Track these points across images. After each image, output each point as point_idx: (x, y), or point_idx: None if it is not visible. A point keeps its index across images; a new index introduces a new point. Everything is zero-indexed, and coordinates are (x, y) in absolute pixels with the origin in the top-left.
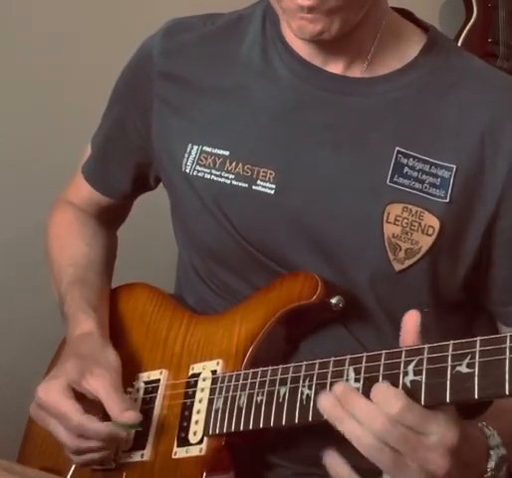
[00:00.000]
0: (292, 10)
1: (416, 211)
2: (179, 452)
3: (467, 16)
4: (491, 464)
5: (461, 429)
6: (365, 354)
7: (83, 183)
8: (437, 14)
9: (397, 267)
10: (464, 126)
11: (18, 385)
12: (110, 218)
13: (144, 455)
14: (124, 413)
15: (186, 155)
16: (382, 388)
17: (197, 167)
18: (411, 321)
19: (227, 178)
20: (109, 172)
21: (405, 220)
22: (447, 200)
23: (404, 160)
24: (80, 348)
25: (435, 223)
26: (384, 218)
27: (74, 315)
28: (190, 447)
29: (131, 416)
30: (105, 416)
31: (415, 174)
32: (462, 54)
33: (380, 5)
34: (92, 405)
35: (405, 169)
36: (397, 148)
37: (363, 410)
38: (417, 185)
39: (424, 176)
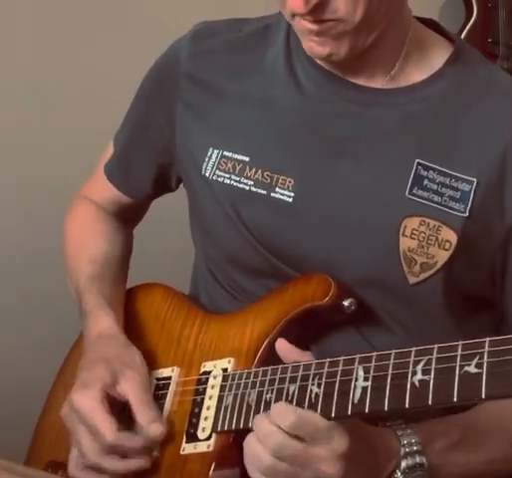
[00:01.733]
0: (302, 31)
1: (434, 225)
2: (187, 448)
3: (467, 16)
4: (398, 474)
5: (355, 438)
6: (374, 353)
7: (104, 182)
8: (437, 14)
9: (412, 280)
10: (487, 140)
11: (25, 389)
12: (129, 217)
13: (153, 451)
14: (151, 425)
15: (207, 159)
16: (277, 406)
17: (217, 172)
18: (285, 349)
19: (246, 184)
20: (131, 172)
21: (422, 234)
22: (466, 214)
23: (424, 173)
24: (105, 351)
25: (453, 238)
26: (401, 232)
27: (91, 311)
28: (198, 443)
29: (158, 429)
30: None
31: (435, 187)
32: (487, 65)
33: (402, 20)
34: (122, 408)
35: (425, 182)
36: (418, 160)
37: (262, 428)
38: (436, 198)
39: (444, 189)
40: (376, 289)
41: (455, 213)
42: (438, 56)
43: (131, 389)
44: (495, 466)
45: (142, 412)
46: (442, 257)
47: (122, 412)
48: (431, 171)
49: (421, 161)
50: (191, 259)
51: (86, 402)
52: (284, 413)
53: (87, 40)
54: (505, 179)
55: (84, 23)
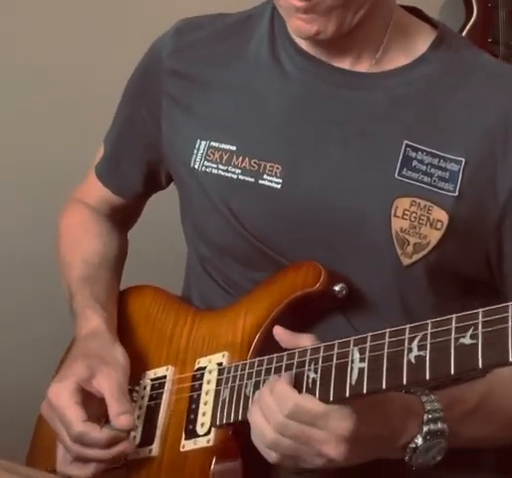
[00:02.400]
0: (288, 10)
1: (425, 205)
2: (187, 445)
3: (467, 16)
4: (418, 438)
5: (361, 417)
6: (369, 333)
7: (95, 183)
8: (437, 14)
9: (406, 261)
10: (474, 120)
11: (25, 389)
12: (122, 218)
13: (153, 450)
14: (119, 417)
15: (195, 151)
16: (278, 390)
17: (205, 163)
18: (283, 334)
19: (234, 173)
20: (121, 171)
21: (414, 214)
22: (456, 194)
23: (413, 154)
24: (88, 346)
25: (444, 217)
26: (392, 212)
27: (83, 312)
28: (198, 439)
29: (125, 421)
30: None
31: (424, 168)
32: (472, 49)
33: (385, 3)
34: (100, 404)
35: (414, 163)
36: (406, 142)
37: (266, 404)
38: (426, 179)
39: (433, 170)
40: (369, 272)
41: (445, 193)
42: (422, 40)
43: (106, 384)
44: (508, 433)
45: (114, 406)
46: (435, 237)
47: (98, 410)
48: (420, 152)
49: (410, 143)
50: (184, 260)
51: (57, 393)
52: (283, 399)
53: (86, 40)
54: (494, 158)
55: (85, 23)
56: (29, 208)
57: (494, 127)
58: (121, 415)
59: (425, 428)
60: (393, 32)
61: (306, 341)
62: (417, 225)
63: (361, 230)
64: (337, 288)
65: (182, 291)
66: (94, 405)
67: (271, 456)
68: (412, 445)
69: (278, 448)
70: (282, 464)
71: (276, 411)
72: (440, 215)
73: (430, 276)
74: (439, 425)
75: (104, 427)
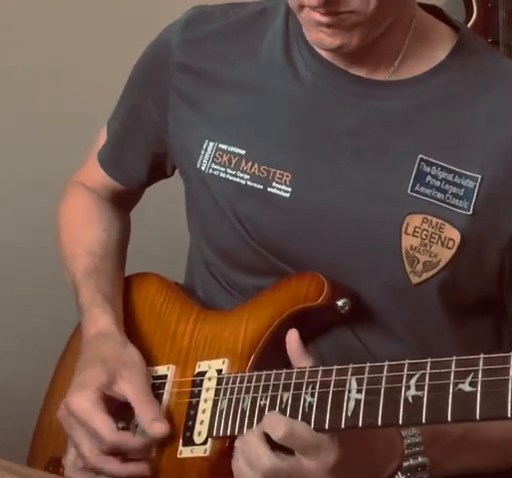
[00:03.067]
0: (311, 22)
1: (437, 223)
2: (184, 452)
3: (467, 16)
4: (399, 475)
5: (349, 447)
6: (367, 364)
7: (98, 169)
8: None
9: (415, 280)
10: (492, 134)
11: (22, 388)
12: (124, 202)
13: (150, 453)
14: (153, 424)
15: (202, 152)
16: (270, 416)
17: (213, 165)
18: (293, 342)
19: (242, 178)
20: (125, 162)
21: (425, 232)
22: (470, 212)
23: (427, 169)
24: (102, 350)
25: (456, 236)
26: (403, 229)
27: (89, 309)
28: (195, 447)
29: (159, 429)
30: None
31: (438, 184)
32: (494, 55)
33: (408, 10)
34: (121, 406)
35: (428, 178)
36: (420, 156)
37: (250, 452)
38: (439, 195)
39: (447, 186)
40: (376, 288)
41: (459, 211)
42: (442, 46)
43: (131, 389)
44: (494, 463)
45: (143, 411)
46: (446, 256)
47: (119, 413)
48: (434, 167)
49: (424, 157)
50: (186, 247)
51: (81, 404)
52: (276, 424)
53: (87, 39)
54: (510, 174)
55: (84, 21)
56: (27, 207)
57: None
58: (154, 422)
59: (405, 464)
60: (413, 38)
61: (305, 364)
62: (428, 243)
63: (369, 246)
64: (340, 303)
65: (185, 279)
66: (115, 409)
67: None
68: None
69: None
70: None
71: (262, 455)
72: (452, 234)
73: (440, 295)
74: (420, 460)
75: (136, 434)
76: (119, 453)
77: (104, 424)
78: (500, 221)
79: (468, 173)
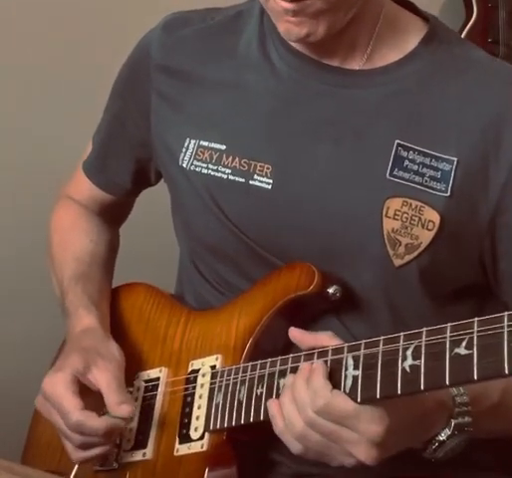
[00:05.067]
0: (277, 12)
1: (416, 205)
2: (181, 449)
3: (467, 16)
4: (445, 432)
5: (394, 416)
6: (363, 341)
7: (84, 180)
8: (437, 14)
9: (397, 262)
10: (466, 119)
11: (20, 387)
12: (112, 215)
13: (147, 454)
14: (119, 406)
15: (184, 150)
16: (315, 384)
17: (194, 162)
18: (299, 336)
19: (224, 173)
20: (109, 168)
21: (405, 215)
22: (448, 194)
23: (404, 153)
24: (82, 341)
25: (436, 218)
26: (384, 213)
27: (75, 310)
28: (192, 443)
29: (125, 410)
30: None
31: (416, 168)
32: (464, 44)
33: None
34: (95, 398)
35: (406, 162)
36: (397, 141)
37: (300, 395)
38: (418, 179)
39: (425, 169)
40: (361, 274)
41: (437, 193)
42: (413, 35)
43: (103, 377)
44: None
45: (111, 396)
46: (426, 237)
47: (95, 403)
48: (411, 152)
49: (401, 142)
50: (176, 257)
51: (53, 384)
52: (316, 395)
53: (87, 39)
54: (486, 158)
55: (83, 21)
56: (23, 209)
57: (487, 126)
58: (119, 404)
59: (454, 422)
60: (384, 27)
61: (325, 338)
62: (409, 226)
63: (352, 231)
64: (330, 290)
65: (175, 288)
66: (89, 398)
67: (296, 447)
68: (439, 438)
69: (306, 441)
70: (304, 456)
71: (308, 405)
72: (432, 216)
73: (422, 277)
74: (466, 419)
75: (102, 416)
76: None
77: (70, 402)
78: (477, 204)
79: (444, 156)
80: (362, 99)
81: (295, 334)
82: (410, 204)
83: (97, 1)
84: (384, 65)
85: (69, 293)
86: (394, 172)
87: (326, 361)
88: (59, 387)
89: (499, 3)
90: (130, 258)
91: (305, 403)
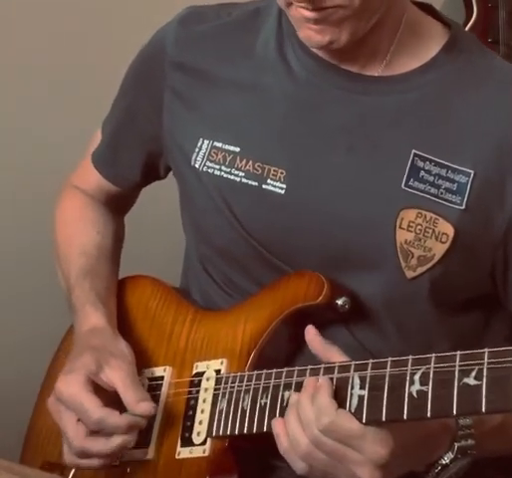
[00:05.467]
0: (299, 19)
1: (431, 217)
2: (183, 452)
3: (467, 16)
4: (449, 455)
5: (399, 438)
6: (370, 361)
7: (92, 170)
8: None
9: (409, 274)
10: (483, 131)
11: (19, 387)
12: (118, 205)
13: (148, 453)
14: (139, 404)
15: (196, 150)
16: (320, 401)
17: (207, 163)
18: (315, 341)
19: (237, 176)
20: (119, 161)
21: (419, 226)
22: (463, 207)
23: (421, 164)
24: (92, 341)
25: (450, 230)
26: (398, 224)
27: (83, 308)
28: (194, 448)
29: (146, 407)
30: (121, 408)
31: (431, 179)
32: (486, 53)
33: (397, 5)
34: (109, 397)
35: (421, 173)
36: (414, 151)
37: (305, 413)
38: (433, 190)
39: (441, 181)
40: (371, 284)
41: (452, 206)
42: (434, 42)
43: (117, 376)
44: None
45: (129, 394)
46: (439, 250)
47: (109, 403)
48: (428, 162)
49: (418, 152)
50: (181, 250)
51: (69, 386)
52: (321, 413)
53: (88, 38)
54: (503, 171)
55: (84, 20)
56: (23, 208)
57: (505, 138)
58: (139, 402)
59: (457, 445)
60: (405, 34)
61: (334, 354)
62: (422, 237)
63: (364, 240)
64: (339, 302)
65: (181, 282)
66: (104, 398)
67: (300, 466)
68: (442, 462)
69: (310, 460)
70: (307, 475)
71: (313, 422)
72: (446, 228)
73: (433, 289)
74: (469, 442)
75: (123, 413)
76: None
77: (89, 401)
78: (492, 217)
79: (461, 168)
80: (380, 106)
81: (310, 333)
82: (425, 216)
83: (98, 1)
84: (403, 72)
85: (76, 288)
86: (410, 183)
87: (332, 379)
88: (75, 388)
89: (499, 3)
90: (135, 250)
91: (310, 421)
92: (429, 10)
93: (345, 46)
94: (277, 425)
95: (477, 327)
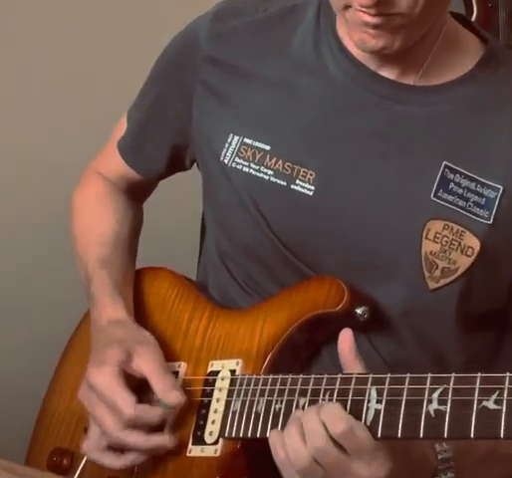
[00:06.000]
0: (356, 23)
1: (458, 230)
2: (194, 450)
3: (467, 16)
4: None
5: (398, 458)
6: (388, 375)
7: (116, 157)
8: None
9: (432, 285)
10: None
11: (23, 387)
12: (138, 193)
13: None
14: (169, 393)
15: (226, 145)
16: (332, 409)
17: (236, 159)
18: (346, 343)
19: (266, 174)
20: (145, 151)
21: (445, 238)
22: (490, 222)
23: (451, 176)
24: (117, 333)
25: (476, 244)
26: (424, 234)
27: (101, 298)
28: (205, 447)
29: (177, 396)
30: (150, 394)
31: (461, 191)
32: None
33: (443, 16)
34: (139, 384)
35: (451, 185)
36: (445, 163)
37: (309, 425)
38: (461, 203)
39: (469, 194)
40: (392, 292)
41: (479, 219)
42: (471, 56)
43: (146, 364)
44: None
45: (159, 383)
46: (464, 263)
47: (139, 390)
48: (458, 175)
49: (449, 164)
50: (197, 241)
51: (102, 379)
52: (338, 418)
53: (89, 39)
54: None
55: (86, 22)
56: (24, 209)
57: None
58: (169, 391)
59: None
60: (443, 45)
61: (358, 366)
62: (448, 249)
63: (389, 248)
64: (359, 311)
65: (197, 275)
66: (135, 389)
67: None
68: None
69: (308, 476)
70: None
71: (319, 434)
72: (472, 242)
73: (455, 302)
74: (449, 475)
75: (155, 406)
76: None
77: (123, 398)
78: None
79: (490, 184)
80: (414, 115)
81: (346, 336)
82: (452, 228)
83: (103, 5)
84: (439, 83)
85: (93, 277)
86: (439, 194)
87: (348, 390)
88: (107, 382)
89: (499, 3)
90: (152, 241)
91: (315, 433)
92: (466, 23)
93: (396, 52)
94: (274, 436)
95: (491, 344)
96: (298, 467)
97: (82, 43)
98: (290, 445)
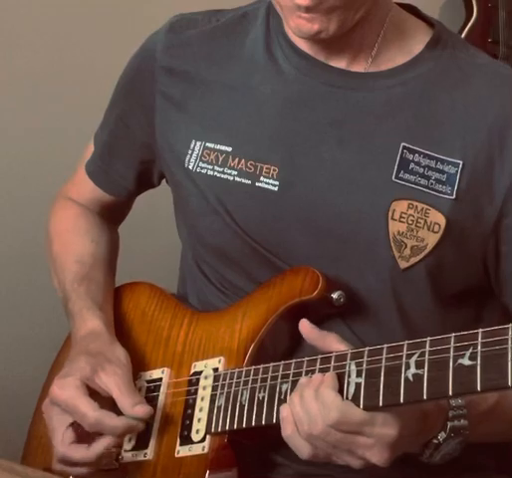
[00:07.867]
0: (290, 8)
1: (422, 208)
2: (182, 451)
3: (467, 16)
4: (442, 434)
5: (405, 418)
6: (366, 348)
7: (86, 181)
8: (437, 14)
9: (403, 265)
10: (471, 122)
11: (20, 387)
12: (112, 215)
13: (148, 454)
14: (134, 408)
15: (190, 152)
16: (326, 391)
17: (200, 164)
18: (304, 326)
19: (230, 175)
20: (113, 170)
21: (411, 217)
22: (453, 197)
23: (410, 156)
24: (88, 346)
25: (441, 220)
26: (390, 215)
27: (80, 312)
28: (193, 445)
29: (142, 410)
30: (117, 413)
31: (421, 170)
32: (469, 49)
33: (382, 1)
34: (104, 402)
35: (411, 165)
36: (403, 144)
37: (309, 409)
38: (423, 181)
39: (430, 172)
40: (366, 276)
41: (442, 196)
42: (418, 39)
43: (112, 381)
44: None
45: (124, 399)
46: (432, 240)
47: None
48: (417, 155)
49: (407, 145)
50: (177, 256)
51: (64, 389)
52: (328, 409)
53: (87, 38)
54: (491, 161)
55: (84, 21)
56: (23, 209)
57: (492, 129)
58: (134, 406)
59: (450, 424)
60: (389, 30)
61: (333, 340)
62: (415, 228)
63: (357, 233)
64: (334, 296)
65: (178, 288)
66: (99, 403)
67: (305, 451)
68: (435, 441)
69: (314, 451)
70: (312, 459)
71: (318, 418)
72: (438, 218)
73: (428, 279)
74: (462, 422)
75: (122, 416)
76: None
77: (85, 404)
78: (482, 206)
79: (450, 159)
80: (367, 101)
81: (304, 326)
82: (416, 207)
83: (98, 4)
84: (389, 68)
85: (72, 295)
86: (400, 175)
87: (328, 368)
88: (70, 391)
89: (499, 3)
90: (132, 257)
91: (315, 415)
92: (413, 11)
93: (332, 36)
94: (284, 410)
95: (470, 319)
96: (305, 436)
97: (82, 43)
98: (297, 416)
